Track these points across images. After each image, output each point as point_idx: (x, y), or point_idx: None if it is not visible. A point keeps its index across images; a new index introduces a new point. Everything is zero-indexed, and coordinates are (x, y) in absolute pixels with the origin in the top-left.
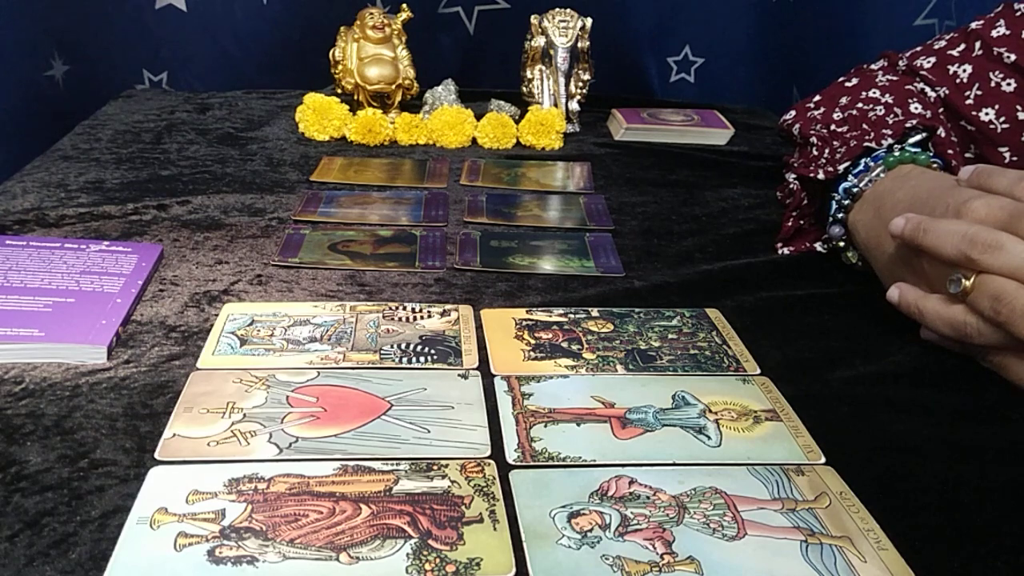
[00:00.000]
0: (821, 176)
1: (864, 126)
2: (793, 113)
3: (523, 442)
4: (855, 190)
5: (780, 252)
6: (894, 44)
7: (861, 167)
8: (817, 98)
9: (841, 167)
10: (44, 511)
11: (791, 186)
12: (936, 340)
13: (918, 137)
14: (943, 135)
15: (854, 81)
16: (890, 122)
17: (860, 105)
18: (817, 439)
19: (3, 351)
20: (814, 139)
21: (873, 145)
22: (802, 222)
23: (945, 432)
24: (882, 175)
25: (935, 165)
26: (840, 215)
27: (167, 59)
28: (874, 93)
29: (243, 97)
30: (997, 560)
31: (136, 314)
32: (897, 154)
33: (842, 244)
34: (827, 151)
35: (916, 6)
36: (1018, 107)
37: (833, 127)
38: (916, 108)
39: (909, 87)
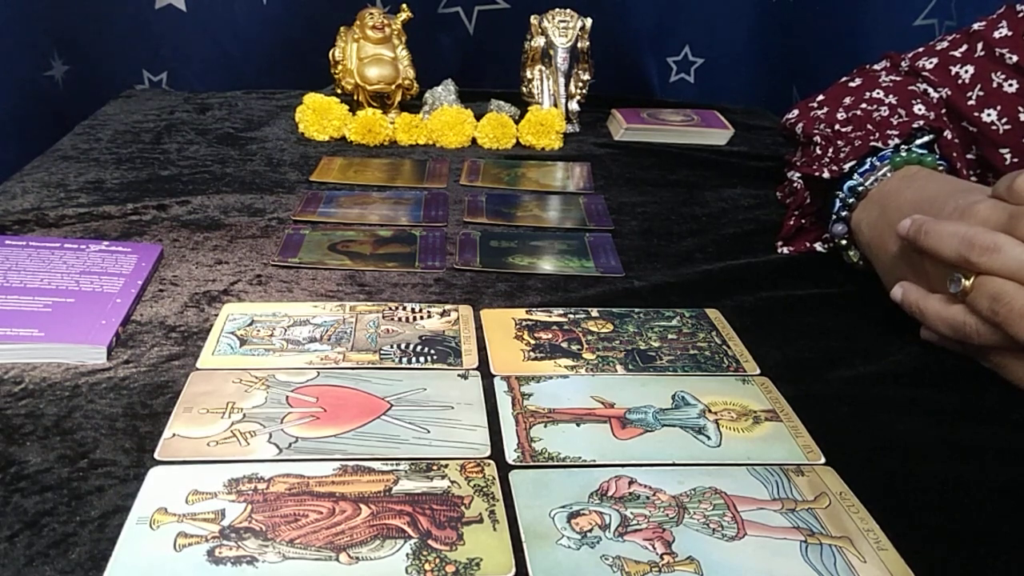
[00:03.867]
0: (826, 175)
1: (868, 126)
2: (796, 112)
3: (523, 442)
4: (860, 189)
5: (780, 252)
6: (894, 44)
7: (867, 166)
8: (820, 97)
9: (847, 166)
10: (44, 511)
11: (794, 185)
12: (936, 340)
13: (925, 139)
14: (949, 137)
15: (857, 81)
16: (895, 123)
17: (864, 105)
18: (817, 439)
19: (3, 351)
20: (818, 138)
21: (879, 145)
22: (803, 221)
23: (945, 432)
24: (888, 175)
25: (941, 168)
26: (844, 214)
27: (167, 59)
28: (878, 93)
29: (243, 97)
30: (997, 560)
31: (136, 314)
32: (904, 155)
33: (844, 243)
34: (831, 150)
35: (916, 6)
36: (1020, 108)
37: (837, 127)
38: (920, 109)
39: (912, 88)
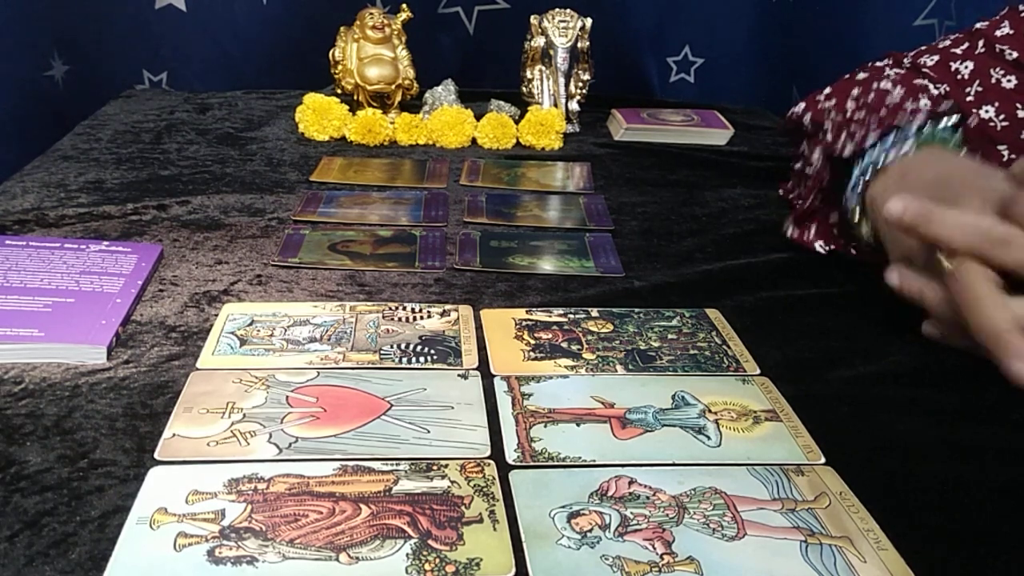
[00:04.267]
0: (848, 150)
1: (883, 111)
2: (803, 105)
3: (523, 442)
4: (880, 163)
5: (786, 232)
6: (894, 44)
7: (888, 143)
8: (828, 91)
9: (869, 140)
10: (44, 511)
11: (815, 164)
12: (939, 336)
13: (952, 120)
14: (973, 125)
15: (862, 75)
16: (908, 108)
17: (873, 96)
18: (817, 439)
19: (3, 351)
20: (828, 124)
21: (901, 124)
22: (816, 201)
23: (945, 432)
24: (911, 151)
25: (961, 152)
26: (858, 189)
27: (167, 59)
28: (885, 84)
29: (243, 97)
30: (997, 560)
31: (136, 314)
32: (930, 130)
33: (856, 220)
34: (843, 135)
35: (916, 6)
36: (1018, 105)
37: (849, 114)
38: (925, 104)
39: (917, 82)
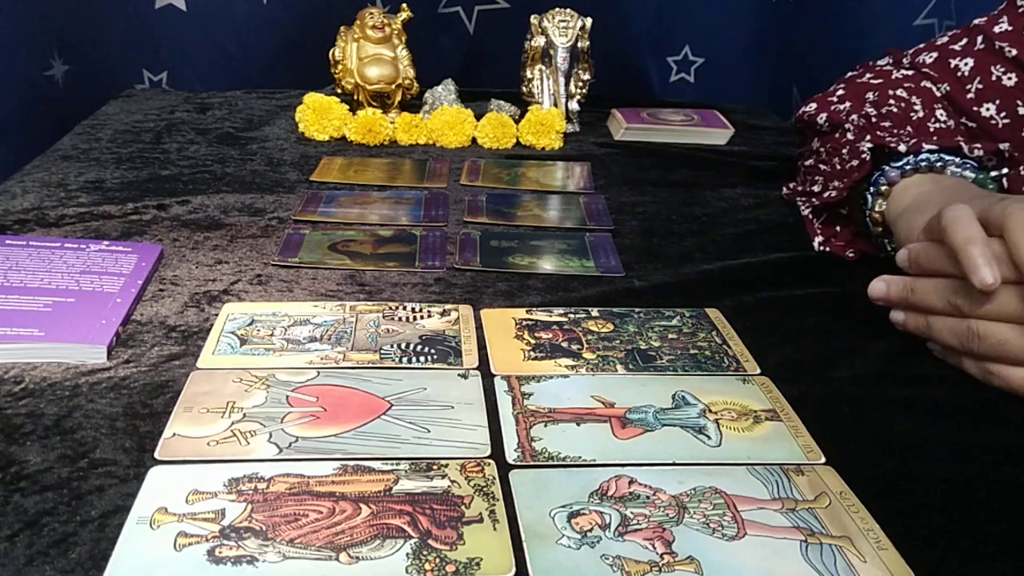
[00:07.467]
0: (902, 148)
1: (909, 127)
2: (814, 106)
3: (523, 442)
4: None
5: (815, 243)
6: (894, 44)
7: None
8: (840, 92)
9: (902, 148)
10: (44, 511)
11: (863, 155)
12: (912, 326)
13: (992, 173)
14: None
15: (868, 77)
16: (931, 129)
17: (894, 106)
18: (817, 439)
19: (3, 351)
20: (849, 126)
21: (933, 146)
22: (843, 210)
23: (945, 432)
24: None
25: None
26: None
27: (167, 59)
28: (901, 92)
29: (243, 97)
30: (997, 560)
31: (136, 314)
32: (979, 178)
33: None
34: (868, 136)
35: (916, 6)
36: (1019, 102)
37: (874, 120)
38: (941, 115)
39: (925, 84)
